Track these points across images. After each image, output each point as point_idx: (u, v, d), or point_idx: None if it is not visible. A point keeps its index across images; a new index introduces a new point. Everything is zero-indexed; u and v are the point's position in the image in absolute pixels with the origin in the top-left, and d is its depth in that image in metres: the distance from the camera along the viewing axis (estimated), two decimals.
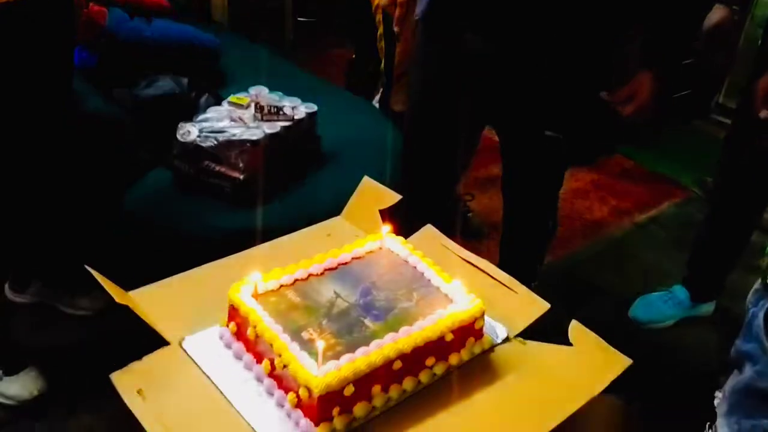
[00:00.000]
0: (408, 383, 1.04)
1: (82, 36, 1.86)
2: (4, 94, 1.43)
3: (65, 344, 1.77)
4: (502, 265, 1.30)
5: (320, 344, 0.98)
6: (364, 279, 1.17)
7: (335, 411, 0.96)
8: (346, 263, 1.21)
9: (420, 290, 1.16)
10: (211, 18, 2.85)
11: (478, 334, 1.12)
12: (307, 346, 1.01)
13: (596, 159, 2.88)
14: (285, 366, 0.97)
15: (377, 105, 2.66)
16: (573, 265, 2.34)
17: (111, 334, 1.41)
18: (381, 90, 2.67)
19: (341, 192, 1.44)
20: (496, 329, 1.17)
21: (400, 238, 1.27)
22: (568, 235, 2.40)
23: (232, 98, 1.80)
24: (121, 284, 1.12)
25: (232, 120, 1.72)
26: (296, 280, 1.14)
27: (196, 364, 1.05)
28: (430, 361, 1.06)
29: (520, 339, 1.17)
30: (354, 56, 2.88)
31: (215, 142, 1.67)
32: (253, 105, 1.76)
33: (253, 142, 1.67)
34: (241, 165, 1.68)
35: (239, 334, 1.07)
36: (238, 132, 1.69)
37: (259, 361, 1.03)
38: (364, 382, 0.97)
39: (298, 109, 1.80)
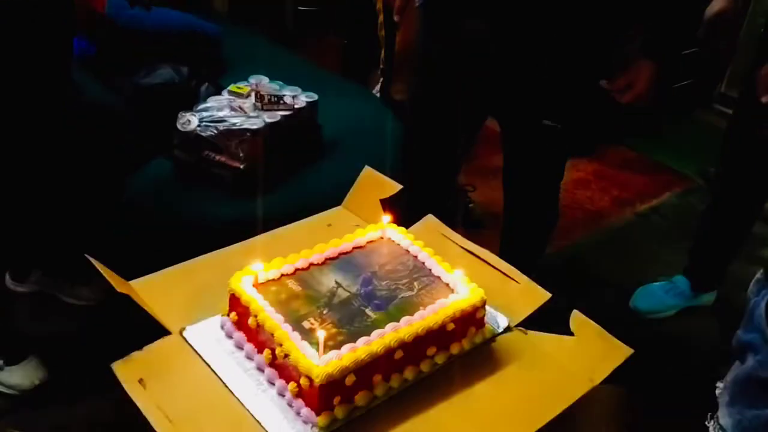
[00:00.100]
0: (409, 373, 1.04)
1: (82, 24, 1.85)
2: (3, 84, 1.43)
3: (66, 334, 1.78)
4: (503, 255, 1.29)
5: (321, 334, 0.98)
6: (365, 269, 1.17)
7: (336, 400, 0.96)
8: (347, 253, 1.21)
9: (421, 280, 1.16)
10: (211, 7, 2.84)
11: (479, 324, 1.12)
12: (309, 335, 1.01)
13: (595, 148, 2.88)
14: (286, 355, 0.97)
15: (378, 94, 2.65)
16: (574, 255, 2.34)
17: (112, 324, 1.41)
18: (381, 79, 2.67)
19: (342, 181, 1.43)
20: (497, 319, 1.17)
21: (401, 228, 1.27)
22: (569, 225, 2.40)
23: (232, 87, 1.79)
24: (122, 274, 1.11)
25: (232, 109, 1.72)
26: (297, 270, 1.14)
27: (197, 353, 1.05)
28: (431, 351, 1.06)
29: (521, 328, 1.17)
30: (346, 42, 2.87)
31: (215, 132, 1.67)
32: (253, 94, 1.75)
33: (254, 132, 1.66)
34: (241, 154, 1.67)
35: (240, 324, 1.07)
36: (239, 121, 1.68)
37: (260, 350, 1.03)
38: (365, 371, 0.97)
39: (299, 98, 1.79)
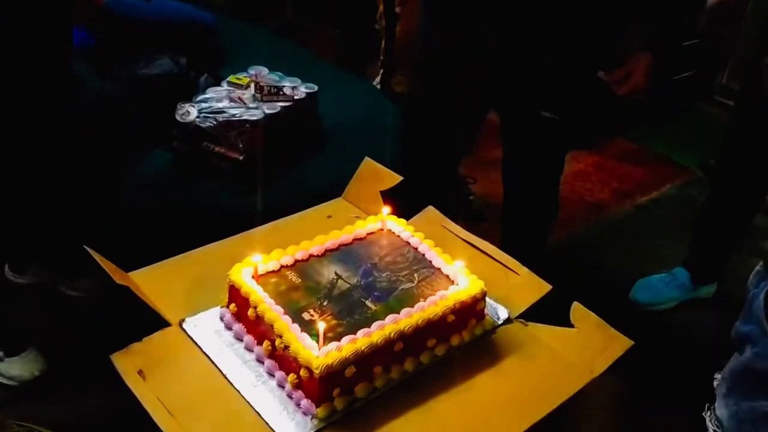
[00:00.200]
0: (409, 364, 1.04)
1: (80, 14, 1.84)
2: (3, 75, 1.42)
3: (66, 325, 1.78)
4: (503, 247, 1.29)
5: (321, 325, 0.98)
6: (365, 260, 1.17)
7: (336, 392, 0.96)
8: (347, 244, 1.20)
9: (421, 271, 1.16)
10: None
11: (480, 316, 1.12)
12: (308, 327, 1.01)
13: (595, 142, 2.87)
14: (286, 347, 0.97)
15: (378, 86, 2.64)
16: (574, 247, 2.34)
17: (111, 315, 1.41)
18: (381, 71, 2.66)
19: (342, 173, 1.43)
20: (497, 310, 1.17)
21: (401, 220, 1.26)
22: (569, 217, 2.39)
23: (231, 78, 1.78)
24: (121, 265, 1.11)
25: (231, 100, 1.71)
26: (297, 261, 1.14)
27: (196, 344, 1.05)
28: (431, 342, 1.06)
29: (522, 320, 1.17)
30: (338, 32, 2.86)
31: (214, 123, 1.66)
32: (252, 85, 1.74)
33: (253, 123, 1.66)
34: (240, 146, 1.67)
35: (240, 315, 1.07)
36: (238, 112, 1.67)
37: (259, 342, 1.03)
38: (365, 363, 0.97)
39: (299, 89, 1.79)
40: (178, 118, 1.68)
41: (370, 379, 0.99)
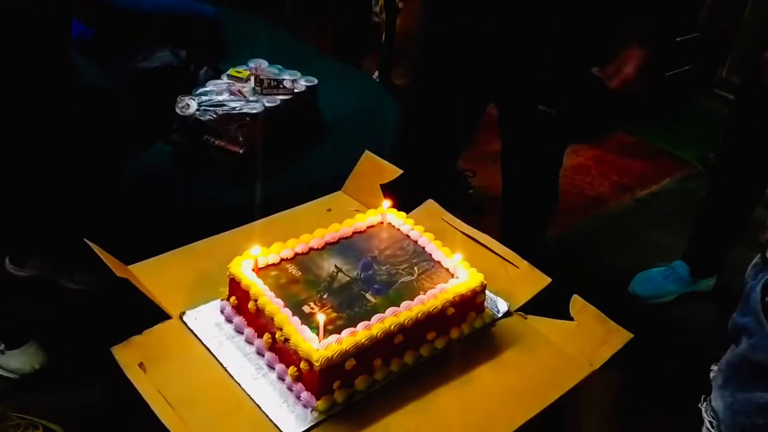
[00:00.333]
0: (409, 357, 1.04)
1: (78, 5, 1.84)
2: (2, 67, 1.42)
3: (66, 318, 1.78)
4: (502, 241, 1.29)
5: (321, 318, 0.98)
6: (365, 253, 1.17)
7: (336, 384, 0.96)
8: (347, 237, 1.20)
9: (421, 264, 1.16)
10: None
11: (480, 309, 1.13)
12: (308, 320, 1.01)
13: (594, 137, 2.87)
14: (286, 340, 0.97)
15: (377, 79, 2.63)
16: (574, 240, 2.34)
17: (112, 308, 1.41)
18: (381, 64, 2.65)
19: (342, 166, 1.43)
20: (497, 303, 1.17)
21: (401, 213, 1.26)
22: (568, 211, 2.39)
23: (231, 71, 1.78)
24: (121, 258, 1.11)
25: (231, 93, 1.70)
26: (297, 254, 1.14)
27: (197, 337, 1.05)
28: (431, 335, 1.06)
29: (521, 313, 1.17)
30: (336, 26, 2.85)
31: (214, 116, 1.66)
32: (252, 78, 1.74)
33: (253, 116, 1.65)
34: (240, 139, 1.66)
35: (240, 308, 1.07)
36: (238, 105, 1.67)
37: (260, 334, 1.03)
38: (365, 355, 0.97)
39: (299, 82, 1.78)
40: (177, 111, 1.67)
41: (370, 371, 1.00)
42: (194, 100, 1.68)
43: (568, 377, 1.06)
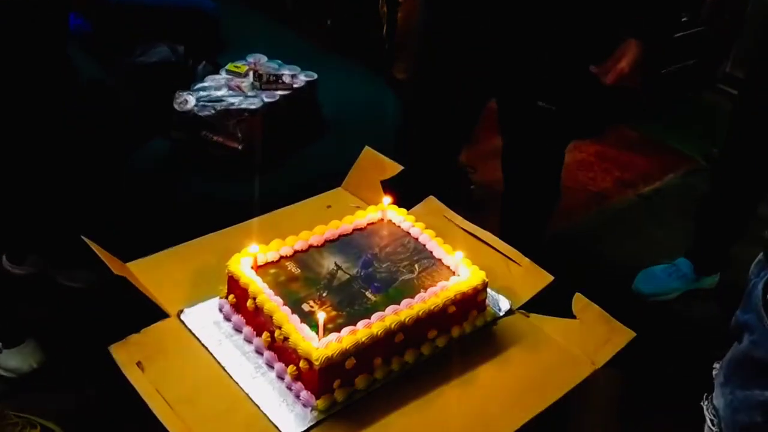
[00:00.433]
0: (409, 356, 1.03)
1: (77, 0, 1.83)
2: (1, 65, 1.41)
3: (64, 317, 1.77)
4: (504, 238, 1.28)
5: (321, 316, 0.97)
6: (365, 250, 1.16)
7: (336, 383, 0.95)
8: (347, 234, 1.19)
9: (422, 262, 1.15)
10: None
11: (481, 307, 1.11)
12: (308, 318, 1.00)
13: (594, 133, 2.86)
14: (285, 338, 0.96)
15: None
16: (576, 237, 2.33)
17: (109, 306, 1.40)
18: (382, 58, 2.64)
19: (342, 162, 1.42)
20: (498, 301, 1.16)
21: (402, 210, 1.25)
22: (571, 207, 2.38)
23: (230, 66, 1.77)
24: (119, 255, 1.10)
25: (230, 89, 1.70)
26: (296, 252, 1.13)
27: (195, 336, 1.04)
28: (431, 334, 1.05)
29: (523, 311, 1.16)
30: (329, 21, 2.84)
31: (213, 111, 1.65)
32: (251, 73, 1.73)
33: (252, 112, 1.64)
34: (239, 135, 1.65)
35: (239, 306, 1.06)
36: (237, 101, 1.66)
37: (258, 333, 1.02)
38: (365, 354, 0.96)
39: (298, 77, 1.77)
40: (176, 106, 1.66)
41: (370, 370, 0.99)
42: (192, 95, 1.67)
43: (571, 376, 1.05)
